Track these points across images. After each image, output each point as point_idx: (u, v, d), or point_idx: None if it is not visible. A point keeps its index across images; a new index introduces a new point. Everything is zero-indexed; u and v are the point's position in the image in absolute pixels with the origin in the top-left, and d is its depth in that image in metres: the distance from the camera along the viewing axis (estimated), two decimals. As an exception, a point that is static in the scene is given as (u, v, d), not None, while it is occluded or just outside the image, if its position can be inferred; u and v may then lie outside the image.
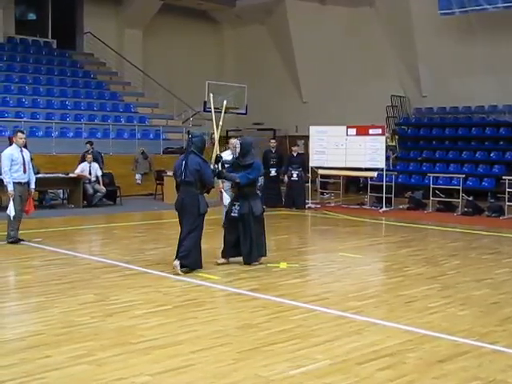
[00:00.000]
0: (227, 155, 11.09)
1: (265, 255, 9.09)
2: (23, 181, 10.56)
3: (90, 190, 16.37)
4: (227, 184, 10.57)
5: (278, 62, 27.33)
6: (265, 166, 17.27)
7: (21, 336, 5.59)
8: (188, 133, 8.80)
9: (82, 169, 16.45)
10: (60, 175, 16.34)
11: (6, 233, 10.64)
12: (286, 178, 17.08)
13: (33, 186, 10.84)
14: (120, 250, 10.12)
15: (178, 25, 27.00)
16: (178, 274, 8.11)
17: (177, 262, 8.25)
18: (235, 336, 5.69)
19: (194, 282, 7.86)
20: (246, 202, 8.88)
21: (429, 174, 18.08)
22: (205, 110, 22.33)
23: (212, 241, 10.02)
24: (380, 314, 6.51)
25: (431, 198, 16.71)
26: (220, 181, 10.34)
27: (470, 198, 16.53)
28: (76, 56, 25.36)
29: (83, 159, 16.85)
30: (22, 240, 10.63)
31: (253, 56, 28.03)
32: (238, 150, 9.03)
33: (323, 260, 9.96)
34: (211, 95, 9.79)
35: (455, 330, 5.96)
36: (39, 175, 15.80)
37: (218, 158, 8.85)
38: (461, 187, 16.66)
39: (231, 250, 9.00)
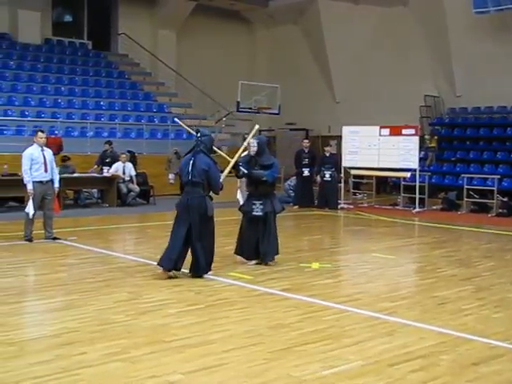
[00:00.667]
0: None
1: (277, 253, 9.15)
2: (44, 179, 10.65)
3: (124, 190, 16.54)
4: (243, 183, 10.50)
5: (310, 62, 27.28)
6: (297, 166, 17.35)
7: (57, 333, 5.68)
8: (197, 131, 8.28)
9: (116, 168, 16.63)
10: (95, 175, 16.53)
11: (43, 231, 10.84)
12: (318, 178, 17.06)
13: (56, 184, 10.91)
14: (153, 249, 10.20)
15: (211, 25, 27.12)
16: (171, 277, 7.98)
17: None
18: (267, 336, 5.71)
19: (226, 281, 7.90)
20: (268, 200, 8.95)
21: (463, 175, 17.89)
22: (238, 110, 22.44)
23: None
24: (413, 316, 6.47)
25: (465, 199, 16.55)
26: (238, 181, 10.30)
27: (505, 199, 16.31)
28: (111, 57, 25.63)
29: (102, 159, 16.93)
30: (59, 238, 10.80)
31: (285, 56, 28.02)
32: (254, 149, 8.96)
33: (356, 260, 9.93)
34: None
35: (489, 332, 5.90)
36: (74, 174, 16.10)
37: (238, 165, 8.86)
38: (495, 188, 16.47)
39: (252, 251, 8.98)
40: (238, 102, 22.05)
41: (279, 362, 5.02)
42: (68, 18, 27.32)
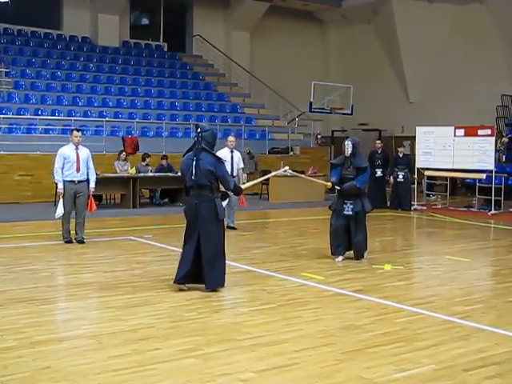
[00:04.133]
0: (225, 153, 12.02)
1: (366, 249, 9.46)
2: (76, 179, 10.33)
3: (198, 189, 16.71)
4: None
5: (384, 62, 27.01)
6: (370, 166, 17.19)
7: (133, 328, 5.85)
8: (196, 126, 7.35)
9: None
10: (170, 174, 16.84)
11: (122, 229, 11.11)
12: (391, 179, 16.87)
13: (92, 185, 10.58)
14: (226, 248, 10.33)
15: (285, 26, 27.22)
16: (183, 290, 7.28)
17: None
18: (339, 336, 5.71)
19: (299, 281, 7.94)
20: (359, 199, 9.18)
21: (542, 177, 17.36)
22: (310, 111, 22.44)
23: (319, 240, 10.27)
24: (488, 320, 6.35)
25: (544, 202, 16.06)
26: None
27: None
28: (185, 58, 26.09)
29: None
30: (83, 242, 10.49)
31: (358, 56, 27.84)
32: (349, 150, 9.19)
33: (429, 263, 9.79)
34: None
35: None
36: (149, 174, 16.45)
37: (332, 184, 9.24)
38: None
39: (344, 245, 9.23)
40: (311, 103, 22.07)
41: (351, 364, 5.03)
42: (145, 21, 28.07)
